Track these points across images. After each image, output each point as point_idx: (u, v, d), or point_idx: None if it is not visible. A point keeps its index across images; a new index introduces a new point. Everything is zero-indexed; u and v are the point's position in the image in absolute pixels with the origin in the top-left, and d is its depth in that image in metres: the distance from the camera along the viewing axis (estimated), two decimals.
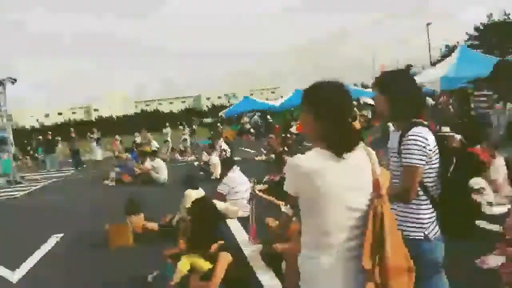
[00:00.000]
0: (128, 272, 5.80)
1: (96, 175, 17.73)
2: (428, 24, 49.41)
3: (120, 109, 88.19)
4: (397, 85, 2.88)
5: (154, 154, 15.63)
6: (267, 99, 58.16)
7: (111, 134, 28.73)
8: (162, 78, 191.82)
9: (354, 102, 27.93)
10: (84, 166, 21.73)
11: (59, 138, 28.71)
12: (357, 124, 2.25)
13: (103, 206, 10.96)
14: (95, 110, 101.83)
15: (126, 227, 7.15)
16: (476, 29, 48.47)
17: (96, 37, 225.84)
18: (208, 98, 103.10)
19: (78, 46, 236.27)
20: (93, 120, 75.40)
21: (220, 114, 34.87)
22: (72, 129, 23.22)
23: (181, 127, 24.66)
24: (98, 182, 15.72)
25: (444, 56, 43.83)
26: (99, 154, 19.80)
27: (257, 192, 6.35)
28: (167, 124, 26.89)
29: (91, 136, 20.39)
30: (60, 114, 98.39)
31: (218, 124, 29.88)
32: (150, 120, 62.24)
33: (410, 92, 2.87)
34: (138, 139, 27.75)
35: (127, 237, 7.07)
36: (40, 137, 29.01)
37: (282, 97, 33.59)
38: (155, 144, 25.80)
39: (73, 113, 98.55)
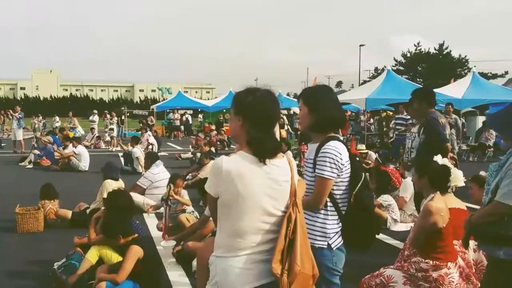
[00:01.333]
0: (35, 258, 5.63)
1: (13, 156, 16.94)
2: (361, 45, 51.37)
3: (48, 91, 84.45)
4: (319, 100, 2.99)
5: (77, 140, 15.13)
6: (201, 98, 58.04)
7: (36, 115, 27.39)
8: (96, 64, 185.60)
9: (285, 111, 28.38)
10: (3, 145, 20.62)
11: None
12: (283, 132, 2.36)
13: (16, 188, 10.50)
14: (22, 88, 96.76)
15: (38, 212, 6.90)
16: (404, 56, 51.06)
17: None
18: (141, 90, 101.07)
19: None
20: (19, 99, 71.79)
21: (152, 107, 34.35)
22: None
23: (109, 116, 23.95)
24: (15, 163, 15.02)
25: (373, 78, 45.77)
26: (19, 134, 18.76)
27: (172, 195, 6.39)
28: (95, 111, 26.02)
29: (13, 114, 19.23)
30: None
31: (150, 117, 29.39)
32: (79, 105, 60.29)
33: (331, 107, 2.99)
34: (58, 123, 26.68)
35: (38, 223, 6.82)
36: None
37: (216, 97, 33.65)
38: (80, 131, 25.00)
39: None
